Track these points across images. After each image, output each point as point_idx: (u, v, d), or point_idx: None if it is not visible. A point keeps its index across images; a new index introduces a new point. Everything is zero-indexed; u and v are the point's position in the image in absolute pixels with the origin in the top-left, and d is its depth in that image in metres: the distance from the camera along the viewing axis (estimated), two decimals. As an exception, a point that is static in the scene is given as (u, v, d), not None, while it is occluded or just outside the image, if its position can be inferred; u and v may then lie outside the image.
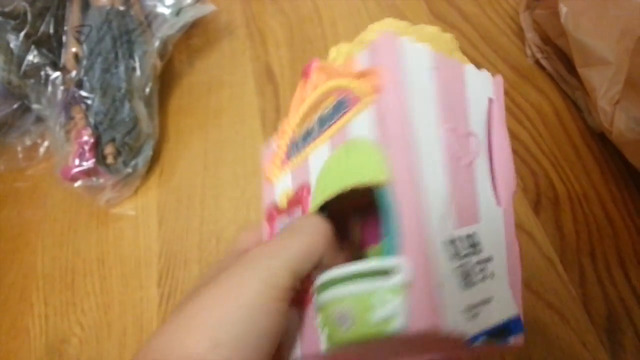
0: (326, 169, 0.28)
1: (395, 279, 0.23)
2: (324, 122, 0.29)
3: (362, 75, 0.26)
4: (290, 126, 0.32)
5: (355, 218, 0.32)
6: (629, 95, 0.40)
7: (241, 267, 0.24)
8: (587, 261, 0.41)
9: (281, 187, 0.32)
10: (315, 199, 0.28)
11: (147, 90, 0.50)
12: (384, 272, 0.23)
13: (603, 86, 0.42)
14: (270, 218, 0.32)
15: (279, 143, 0.33)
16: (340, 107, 0.28)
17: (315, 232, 0.25)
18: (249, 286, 0.22)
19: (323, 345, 0.24)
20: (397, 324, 0.22)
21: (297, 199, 0.30)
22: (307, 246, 0.25)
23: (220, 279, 0.23)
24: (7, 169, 0.52)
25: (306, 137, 0.31)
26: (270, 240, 0.26)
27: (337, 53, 0.32)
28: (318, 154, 0.29)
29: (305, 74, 0.31)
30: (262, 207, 0.33)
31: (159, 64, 0.53)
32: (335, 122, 0.28)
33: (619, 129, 0.40)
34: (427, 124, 0.25)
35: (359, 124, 0.26)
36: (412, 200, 0.23)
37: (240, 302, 0.22)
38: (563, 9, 0.45)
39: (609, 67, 0.42)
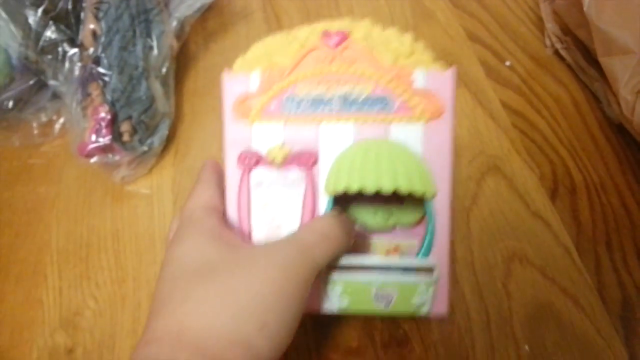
0: (360, 156, 0.30)
1: (434, 276, 0.30)
2: (350, 103, 0.31)
3: (420, 93, 0.30)
4: (290, 79, 0.31)
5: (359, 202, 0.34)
6: (651, 84, 0.40)
7: (285, 257, 0.26)
8: (602, 250, 0.41)
9: (264, 136, 0.32)
10: (343, 179, 0.30)
11: (164, 70, 0.50)
12: (429, 269, 0.30)
13: (625, 75, 0.41)
14: (245, 162, 0.32)
15: (266, 89, 0.31)
16: (380, 103, 0.31)
17: (340, 240, 0.29)
18: (295, 276, 0.26)
19: (334, 306, 0.31)
20: (425, 310, 0.30)
21: (298, 161, 0.31)
22: (341, 249, 0.29)
23: (261, 263, 0.26)
24: (22, 144, 0.52)
25: (317, 103, 0.31)
26: (312, 233, 0.28)
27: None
28: (336, 129, 0.31)
29: (328, 36, 0.31)
30: (228, 143, 0.32)
31: (175, 44, 0.52)
32: (367, 111, 0.31)
33: (640, 117, 0.40)
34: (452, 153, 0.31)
35: (406, 132, 0.31)
36: (446, 215, 0.30)
37: (285, 289, 0.25)
38: (586, -3, 0.44)
39: (632, 56, 0.41)
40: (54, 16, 0.48)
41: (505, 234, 0.42)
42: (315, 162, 0.31)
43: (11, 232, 0.47)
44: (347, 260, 0.30)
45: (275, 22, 0.61)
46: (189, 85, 0.56)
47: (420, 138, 0.30)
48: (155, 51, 0.49)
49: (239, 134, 0.32)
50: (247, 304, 0.24)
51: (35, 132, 0.52)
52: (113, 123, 0.46)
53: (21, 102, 0.52)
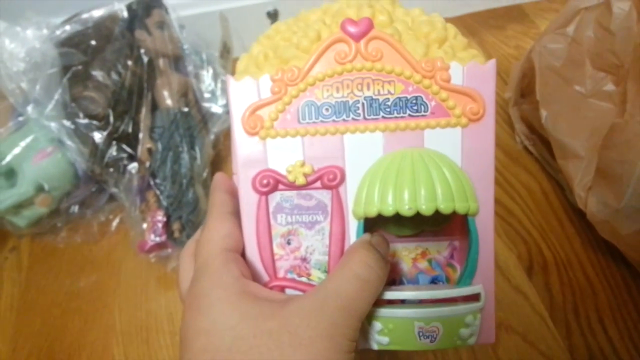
0: (394, 171, 0.27)
1: (480, 303, 0.28)
2: (377, 107, 0.27)
3: (458, 91, 0.26)
4: (306, 82, 0.27)
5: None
6: (598, 183, 0.51)
7: (330, 323, 0.23)
8: (572, 317, 0.50)
9: (280, 152, 0.28)
10: (375, 201, 0.27)
11: (204, 174, 0.61)
12: (475, 297, 0.28)
13: (577, 175, 0.52)
14: (262, 186, 0.28)
15: (280, 94, 0.27)
16: (412, 105, 0.27)
17: (381, 279, 0.26)
18: (342, 341, 0.23)
19: (373, 345, 0.28)
20: (472, 340, 0.28)
21: (321, 180, 0.28)
22: (376, 293, 0.26)
23: (305, 336, 0.23)
24: (83, 241, 0.62)
25: (340, 110, 0.27)
26: (350, 281, 0.25)
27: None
28: (363, 140, 0.27)
29: (349, 24, 0.27)
30: (240, 163, 0.28)
31: (211, 152, 0.63)
32: (397, 117, 0.27)
33: (591, 210, 0.51)
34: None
35: (443, 138, 0.27)
36: (490, 233, 0.28)
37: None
38: (543, 113, 0.56)
39: (581, 160, 0.52)
40: (116, 137, 0.59)
41: (492, 306, 0.51)
42: (341, 181, 0.28)
43: (80, 319, 0.56)
44: (384, 295, 0.27)
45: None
46: (221, 184, 0.66)
47: (459, 145, 0.27)
48: (198, 161, 0.60)
49: (252, 152, 0.27)
50: None
51: (95, 230, 0.62)
52: (167, 224, 0.56)
53: (83, 205, 0.62)
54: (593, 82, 0.54)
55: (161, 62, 0.63)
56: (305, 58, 0.27)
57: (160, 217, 0.55)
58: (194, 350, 0.24)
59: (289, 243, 0.29)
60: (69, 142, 0.59)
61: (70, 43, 0.62)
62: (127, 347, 0.53)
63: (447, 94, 0.26)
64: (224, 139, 0.69)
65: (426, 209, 0.26)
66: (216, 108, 0.63)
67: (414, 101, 0.27)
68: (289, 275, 0.29)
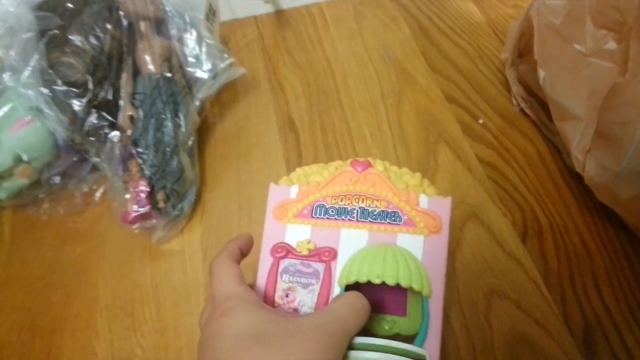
0: (371, 255, 0.37)
1: None
2: (366, 214, 0.39)
3: (423, 212, 0.38)
4: (322, 193, 0.40)
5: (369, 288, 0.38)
6: (597, 145, 0.49)
7: (329, 330, 0.31)
8: (567, 283, 0.49)
9: (295, 233, 0.40)
10: (354, 273, 0.36)
11: (190, 143, 0.59)
12: (421, 356, 0.35)
13: (576, 137, 0.50)
14: (277, 253, 0.39)
15: (302, 198, 0.40)
16: (391, 217, 0.39)
17: (366, 312, 0.35)
18: (335, 345, 0.31)
19: None
20: None
21: (319, 256, 0.39)
22: (361, 321, 0.34)
23: (311, 334, 0.31)
24: (66, 212, 0.60)
25: (341, 212, 0.39)
26: (343, 306, 0.34)
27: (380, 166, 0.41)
28: (353, 234, 0.39)
29: (354, 164, 0.41)
30: (265, 237, 0.40)
31: (197, 119, 0.61)
32: (380, 222, 0.39)
33: (589, 174, 0.49)
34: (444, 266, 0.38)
35: (411, 241, 0.38)
36: (439, 314, 0.36)
37: (329, 357, 0.30)
38: (541, 73, 0.54)
39: (580, 122, 0.50)
40: (96, 105, 0.56)
41: (485, 273, 0.50)
42: (333, 258, 0.38)
43: (63, 292, 0.54)
44: (356, 339, 0.34)
45: (280, 92, 0.70)
46: (209, 151, 0.64)
47: (421, 247, 0.37)
48: (183, 128, 0.58)
49: (275, 231, 0.40)
50: None
51: (78, 201, 0.60)
52: (151, 194, 0.54)
53: (66, 175, 0.60)
54: (594, 41, 0.51)
55: (142, 26, 0.60)
56: (325, 180, 0.40)
57: (143, 187, 0.53)
58: (220, 345, 0.31)
59: (287, 296, 0.38)
60: (47, 111, 0.56)
61: (47, 6, 0.59)
62: (112, 320, 0.52)
63: (416, 213, 0.38)
64: (210, 105, 0.66)
65: (390, 280, 0.35)
66: (201, 73, 0.60)
67: (393, 214, 0.39)
68: None
